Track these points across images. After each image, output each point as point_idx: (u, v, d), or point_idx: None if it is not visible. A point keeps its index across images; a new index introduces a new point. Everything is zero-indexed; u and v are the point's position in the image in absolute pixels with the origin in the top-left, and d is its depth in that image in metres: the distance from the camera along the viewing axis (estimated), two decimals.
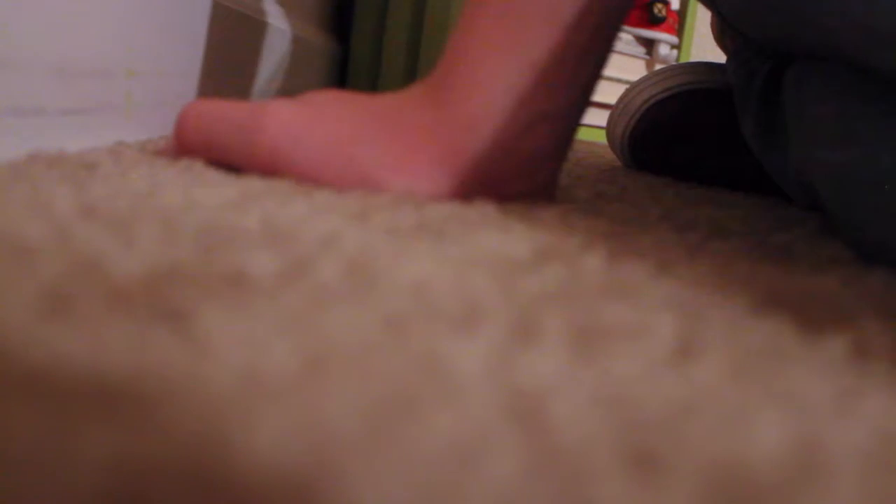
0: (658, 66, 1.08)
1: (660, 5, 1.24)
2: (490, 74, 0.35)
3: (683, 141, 0.66)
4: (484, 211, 0.32)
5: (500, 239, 0.27)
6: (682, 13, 1.35)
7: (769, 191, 0.60)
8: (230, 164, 0.35)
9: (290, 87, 0.77)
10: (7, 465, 0.10)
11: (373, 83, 1.14)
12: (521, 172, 0.37)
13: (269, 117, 0.35)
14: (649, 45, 1.28)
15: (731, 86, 0.64)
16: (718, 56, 0.68)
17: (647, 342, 0.18)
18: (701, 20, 1.38)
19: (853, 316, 0.23)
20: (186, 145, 0.36)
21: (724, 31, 0.58)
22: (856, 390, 0.17)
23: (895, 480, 0.13)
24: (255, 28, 0.62)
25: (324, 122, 0.35)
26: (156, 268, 0.19)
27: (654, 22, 1.25)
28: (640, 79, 0.70)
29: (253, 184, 0.32)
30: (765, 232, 0.39)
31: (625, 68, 1.25)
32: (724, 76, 0.66)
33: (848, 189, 0.34)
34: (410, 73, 1.12)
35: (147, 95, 0.42)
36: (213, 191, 0.29)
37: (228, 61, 0.56)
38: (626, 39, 1.25)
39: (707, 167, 0.64)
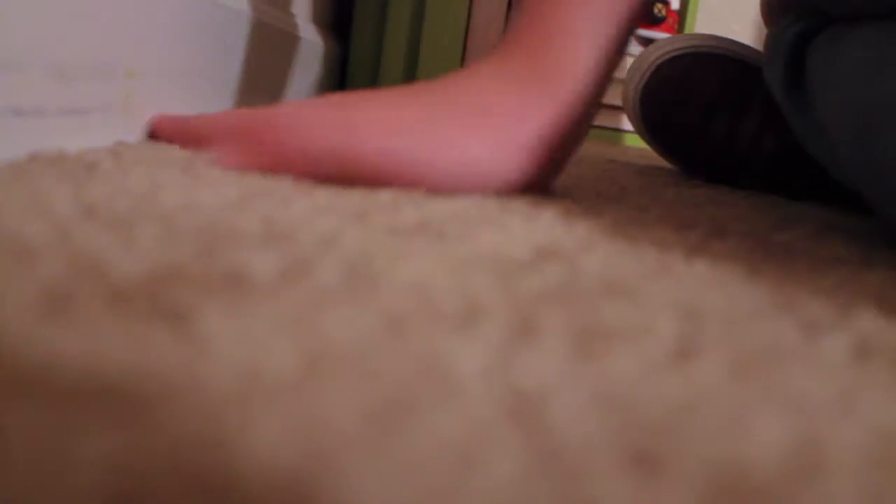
0: None
1: (660, 5, 1.24)
2: (585, 29, 0.36)
3: (688, 99, 0.67)
4: (484, 211, 0.32)
5: (500, 239, 0.27)
6: (682, 13, 1.34)
7: (763, 168, 0.61)
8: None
9: (289, 85, 0.77)
10: (7, 465, 0.10)
11: (373, 83, 1.14)
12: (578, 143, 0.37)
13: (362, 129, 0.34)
14: (649, 45, 1.28)
15: (740, 56, 0.65)
16: None
17: (647, 342, 0.18)
18: (701, 20, 1.38)
19: (853, 315, 0.23)
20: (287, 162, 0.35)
21: (771, 9, 0.59)
22: (856, 390, 0.17)
23: (895, 480, 0.13)
24: (257, 29, 0.62)
25: (398, 112, 0.35)
26: (156, 268, 0.19)
27: (654, 22, 1.25)
28: (657, 41, 0.71)
29: (253, 184, 0.32)
30: (765, 232, 0.39)
31: (625, 68, 1.25)
32: (734, 48, 0.67)
33: (871, 124, 0.35)
34: (410, 73, 1.12)
35: (147, 95, 0.42)
36: (213, 191, 0.29)
37: (231, 65, 0.56)
38: None
39: (706, 132, 0.65)
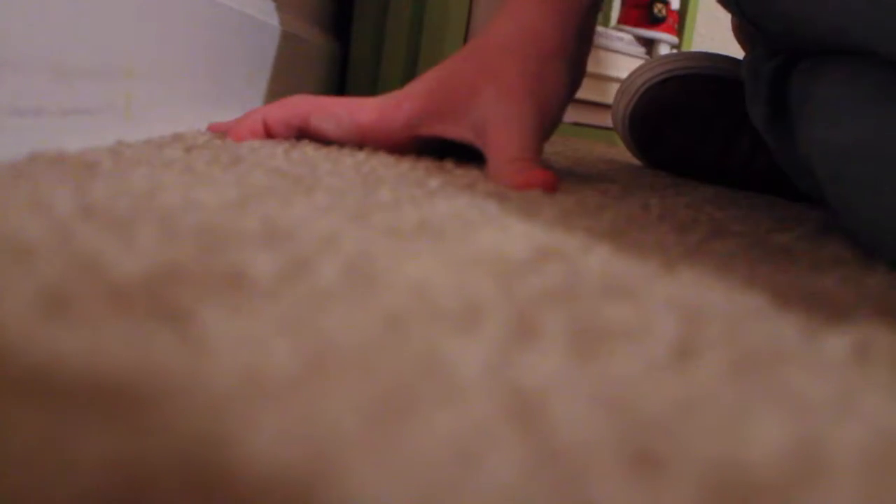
0: None
1: (660, 5, 1.24)
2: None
3: (679, 122, 0.66)
4: (484, 211, 0.32)
5: (500, 239, 0.27)
6: (682, 13, 1.34)
7: (757, 183, 0.61)
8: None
9: (289, 86, 0.77)
10: (7, 465, 0.10)
11: (373, 83, 1.14)
12: None
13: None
14: (649, 45, 1.28)
15: (730, 75, 0.65)
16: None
17: (647, 342, 0.18)
18: (701, 20, 1.38)
19: (853, 316, 0.23)
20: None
21: (742, 29, 0.59)
22: (856, 390, 0.17)
23: (895, 480, 0.13)
24: (257, 29, 0.62)
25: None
26: (156, 268, 0.19)
27: (654, 22, 1.25)
28: (643, 63, 0.70)
29: (253, 184, 0.32)
30: (765, 232, 0.39)
31: (625, 68, 1.25)
32: (723, 65, 0.66)
33: (839, 166, 0.36)
34: (410, 73, 1.12)
35: (147, 95, 0.42)
36: (213, 191, 0.29)
37: (231, 64, 0.56)
38: (626, 39, 1.25)
39: (698, 150, 0.64)
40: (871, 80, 0.35)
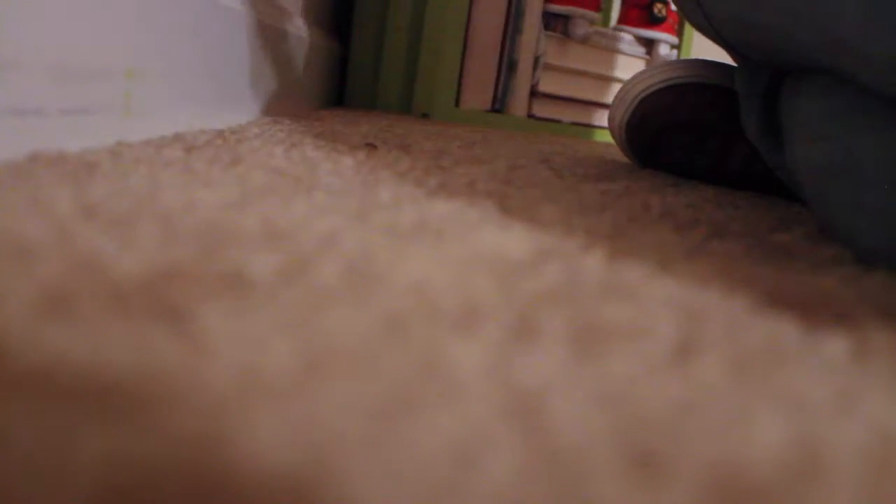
0: None
1: (660, 5, 1.24)
2: None
3: (676, 130, 0.66)
4: (484, 210, 0.32)
5: (500, 239, 0.27)
6: None
7: (757, 187, 0.61)
8: None
9: (289, 86, 0.77)
10: (7, 465, 0.10)
11: (373, 83, 1.14)
12: None
13: None
14: (649, 45, 1.28)
15: (726, 83, 0.65)
16: (717, 56, 0.68)
17: (647, 342, 0.18)
18: None
19: (853, 316, 0.23)
20: None
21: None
22: (856, 390, 0.17)
23: (895, 480, 0.13)
24: (258, 29, 0.62)
25: None
26: (156, 268, 0.19)
27: (654, 22, 1.25)
28: (640, 70, 0.70)
29: (253, 184, 0.32)
30: (765, 232, 0.39)
31: (625, 68, 1.25)
32: (719, 73, 0.66)
33: (817, 184, 0.36)
34: (410, 73, 1.12)
35: (147, 95, 0.42)
36: (213, 191, 0.29)
37: (230, 65, 0.56)
38: (626, 39, 1.25)
39: (697, 158, 0.64)
40: (843, 96, 0.35)
